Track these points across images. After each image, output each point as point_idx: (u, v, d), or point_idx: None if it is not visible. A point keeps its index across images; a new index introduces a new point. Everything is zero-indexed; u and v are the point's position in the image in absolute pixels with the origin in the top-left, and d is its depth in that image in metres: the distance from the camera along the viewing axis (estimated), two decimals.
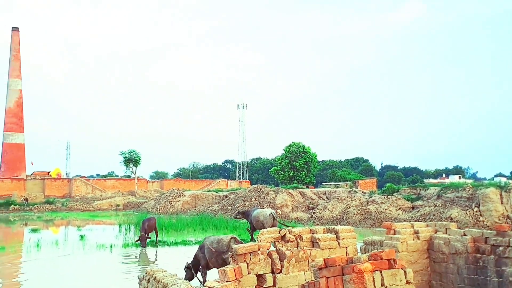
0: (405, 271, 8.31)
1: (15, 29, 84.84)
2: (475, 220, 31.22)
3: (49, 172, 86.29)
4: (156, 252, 22.28)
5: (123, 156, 66.83)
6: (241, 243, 15.26)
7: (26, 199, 59.81)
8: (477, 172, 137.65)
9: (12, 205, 55.31)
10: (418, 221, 30.92)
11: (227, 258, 13.08)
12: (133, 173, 70.67)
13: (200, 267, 13.60)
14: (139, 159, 67.59)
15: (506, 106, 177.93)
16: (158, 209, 48.99)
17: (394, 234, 13.95)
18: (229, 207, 44.02)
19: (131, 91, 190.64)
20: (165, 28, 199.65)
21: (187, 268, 13.68)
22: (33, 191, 69.71)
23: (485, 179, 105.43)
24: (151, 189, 76.81)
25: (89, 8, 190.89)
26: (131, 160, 67.03)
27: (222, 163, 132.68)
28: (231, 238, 13.73)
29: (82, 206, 58.10)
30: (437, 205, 34.80)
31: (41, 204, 57.32)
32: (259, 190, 44.68)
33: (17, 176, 78.10)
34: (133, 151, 67.50)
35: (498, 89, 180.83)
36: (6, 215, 49.13)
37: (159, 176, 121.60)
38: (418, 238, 14.11)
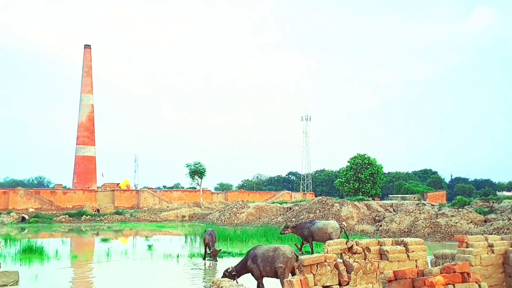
0: (479, 285, 7.95)
1: (87, 47, 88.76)
2: None
3: (119, 183, 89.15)
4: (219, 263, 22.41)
5: (189, 168, 68.04)
6: (296, 253, 15.28)
7: (98, 210, 61.98)
8: None
9: (84, 216, 57.44)
10: (492, 234, 29.61)
11: (280, 267, 13.06)
12: (198, 184, 71.76)
13: (255, 278, 13.46)
14: (204, 171, 68.58)
15: None
16: (223, 221, 49.44)
17: (467, 247, 13.40)
18: (293, 219, 43.79)
19: (197, 104, 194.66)
20: (230, 39, 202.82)
21: (229, 272, 13.50)
22: (103, 202, 72.21)
23: None
24: (216, 201, 77.68)
25: (158, 24, 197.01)
26: (196, 172, 68.11)
27: (286, 175, 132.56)
28: (288, 248, 13.67)
29: (150, 217, 59.53)
30: (511, 218, 33.23)
31: (111, 215, 59.21)
32: (324, 202, 44.21)
33: (88, 187, 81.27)
34: (198, 163, 68.58)
35: None
36: (78, 225, 51.06)
37: (223, 188, 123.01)
38: (493, 252, 13.48)
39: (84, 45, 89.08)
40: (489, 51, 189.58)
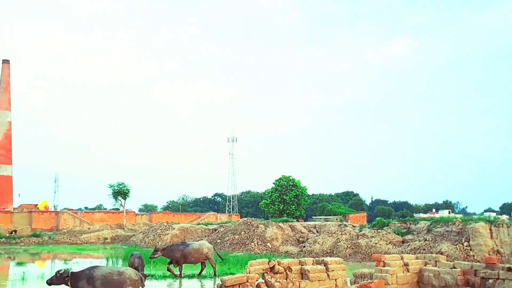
0: None
1: (5, 62, 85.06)
2: (465, 255, 31.16)
3: (37, 205, 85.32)
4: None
5: (112, 188, 66.36)
6: (144, 276, 15.54)
7: (14, 231, 58.89)
8: (466, 207, 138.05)
9: None
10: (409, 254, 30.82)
11: None
12: (122, 206, 70.05)
13: None
14: (128, 191, 67.12)
15: (496, 142, 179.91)
16: (147, 242, 48.40)
17: (384, 266, 13.92)
18: (218, 240, 43.65)
19: (119, 124, 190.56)
20: (154, 61, 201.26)
21: (60, 274, 13.14)
22: (20, 224, 68.75)
23: (474, 214, 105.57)
24: (140, 222, 76.02)
25: (80, 41, 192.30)
26: (120, 192, 66.52)
27: (212, 196, 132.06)
28: (132, 270, 13.72)
29: (70, 239, 57.33)
30: (427, 239, 34.75)
31: (27, 237, 56.46)
32: (249, 223, 44.39)
33: (4, 208, 77.14)
34: (122, 183, 67.06)
35: (489, 126, 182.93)
36: None
37: (148, 209, 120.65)
38: (408, 271, 14.08)
39: (2, 60, 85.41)
40: (409, 77, 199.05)
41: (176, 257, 23.46)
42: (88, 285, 12.77)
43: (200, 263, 24.25)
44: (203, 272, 24.42)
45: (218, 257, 25.34)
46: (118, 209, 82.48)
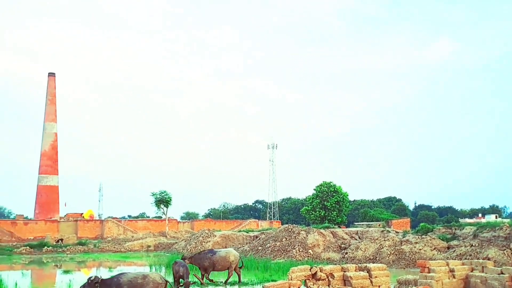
0: None
1: (51, 75, 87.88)
2: None
3: (82, 213, 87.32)
4: None
5: (154, 197, 67.25)
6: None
7: (61, 240, 60.41)
8: None
9: (46, 247, 55.89)
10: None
11: None
12: (164, 214, 70.87)
13: None
14: (170, 200, 67.88)
15: None
16: (189, 250, 48.81)
17: (429, 272, 13.63)
18: (259, 247, 43.61)
19: (161, 132, 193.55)
20: (194, 64, 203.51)
21: (92, 281, 13.62)
22: (66, 232, 70.47)
23: None
24: (182, 230, 76.81)
25: (122, 51, 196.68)
26: (162, 201, 67.34)
27: (253, 204, 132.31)
28: (157, 274, 13.98)
29: (114, 247, 58.38)
30: (473, 245, 33.82)
31: (73, 246, 57.79)
32: (290, 230, 44.20)
33: (50, 218, 79.31)
34: (164, 192, 67.86)
35: None
36: (39, 257, 49.60)
37: (189, 216, 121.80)
38: (454, 277, 13.74)
39: (48, 73, 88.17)
40: (452, 79, 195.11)
41: (205, 265, 23.64)
42: None
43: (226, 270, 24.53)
44: (242, 279, 24.61)
45: (242, 263, 25.59)
46: (160, 217, 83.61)
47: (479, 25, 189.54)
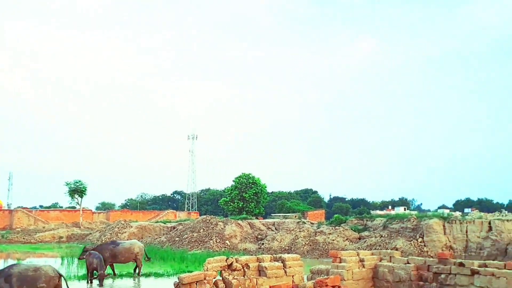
0: None
1: None
2: (419, 251, 31.92)
3: None
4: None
5: (68, 186, 65.20)
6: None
7: None
8: (421, 204, 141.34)
9: None
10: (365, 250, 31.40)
11: (41, 287, 13.09)
12: (78, 204, 68.84)
13: None
14: (85, 189, 66.09)
15: (450, 141, 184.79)
16: (103, 241, 47.57)
17: (340, 262, 14.12)
18: (176, 238, 43.37)
19: (76, 119, 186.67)
20: (120, 55, 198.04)
21: None
22: None
23: (429, 210, 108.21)
24: (97, 221, 74.78)
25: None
26: (77, 190, 65.43)
27: (171, 194, 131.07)
28: (50, 267, 13.83)
29: (23, 238, 55.93)
30: (383, 235, 35.45)
31: None
32: (208, 221, 44.30)
33: None
34: (79, 181, 65.94)
35: (444, 124, 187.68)
36: None
37: (105, 207, 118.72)
38: (364, 266, 14.32)
39: None
40: (372, 77, 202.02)
41: (106, 256, 22.80)
42: (6, 283, 12.83)
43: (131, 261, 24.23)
44: (158, 271, 24.43)
45: (146, 256, 25.28)
46: (74, 207, 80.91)
47: (401, 25, 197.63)
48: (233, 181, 74.02)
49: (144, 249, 24.79)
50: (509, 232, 31.44)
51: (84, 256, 22.46)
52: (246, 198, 70.56)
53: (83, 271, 24.67)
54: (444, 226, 33.30)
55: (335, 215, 45.77)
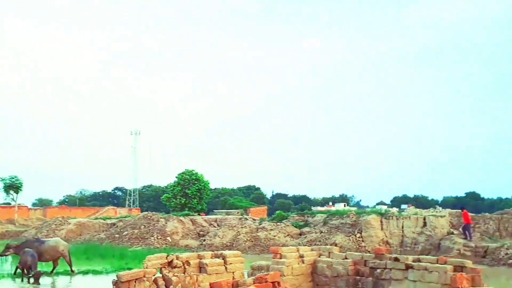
0: None
1: None
2: (357, 246, 32.77)
3: None
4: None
5: (3, 182, 63.21)
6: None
7: None
8: (361, 200, 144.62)
9: None
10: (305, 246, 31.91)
11: None
12: (14, 200, 66.61)
13: None
14: (21, 185, 64.17)
15: (388, 138, 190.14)
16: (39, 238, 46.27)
17: (281, 258, 14.30)
18: (116, 235, 42.62)
19: (13, 112, 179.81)
20: (74, 48, 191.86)
21: None
22: None
23: (368, 207, 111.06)
24: (33, 217, 72.46)
25: None
26: (12, 186, 63.41)
27: (112, 190, 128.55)
28: None
29: None
30: (323, 231, 36.15)
31: None
32: (149, 217, 43.79)
33: None
34: (15, 177, 63.95)
35: (382, 122, 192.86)
36: None
37: (42, 203, 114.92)
38: (303, 262, 14.57)
39: None
40: (318, 74, 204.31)
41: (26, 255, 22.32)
42: None
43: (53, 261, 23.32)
44: (97, 268, 23.91)
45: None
46: (9, 203, 78.06)
47: (343, 25, 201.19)
48: (176, 177, 73.41)
49: (69, 248, 24.03)
50: (442, 228, 32.81)
51: (20, 253, 21.72)
52: (189, 195, 70.16)
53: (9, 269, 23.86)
54: (381, 222, 34.34)
55: (277, 212, 46.28)
